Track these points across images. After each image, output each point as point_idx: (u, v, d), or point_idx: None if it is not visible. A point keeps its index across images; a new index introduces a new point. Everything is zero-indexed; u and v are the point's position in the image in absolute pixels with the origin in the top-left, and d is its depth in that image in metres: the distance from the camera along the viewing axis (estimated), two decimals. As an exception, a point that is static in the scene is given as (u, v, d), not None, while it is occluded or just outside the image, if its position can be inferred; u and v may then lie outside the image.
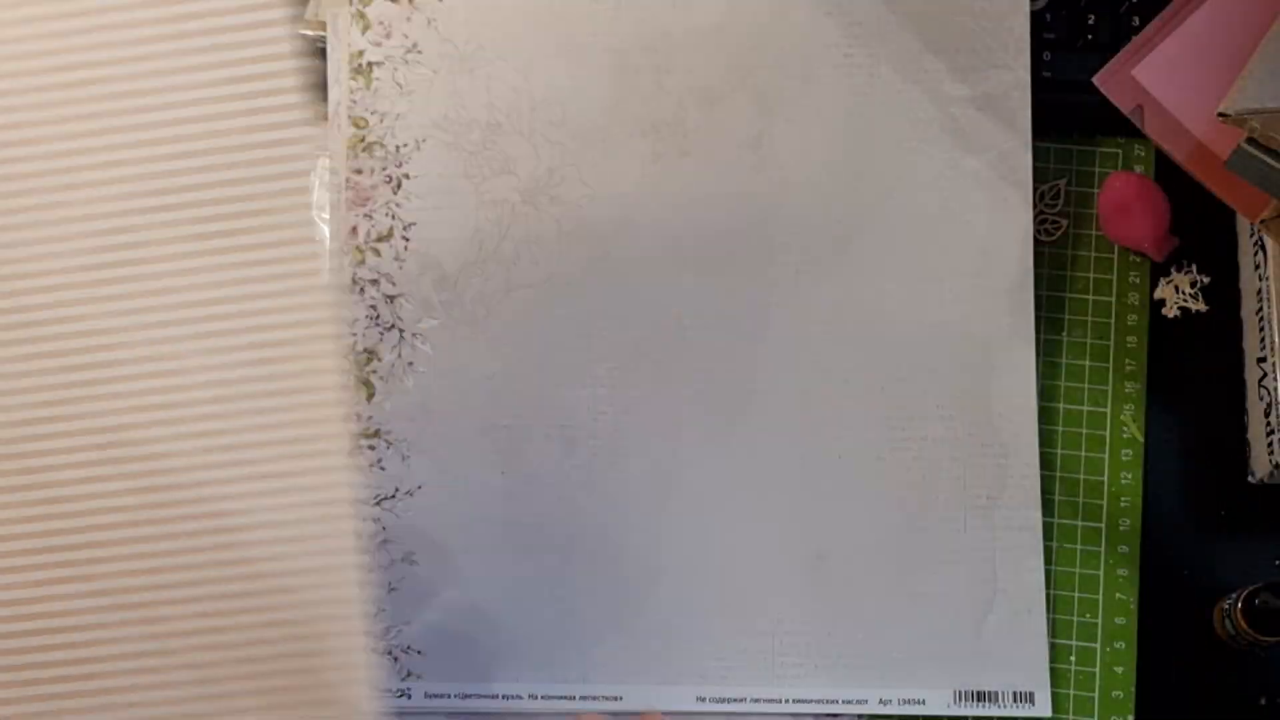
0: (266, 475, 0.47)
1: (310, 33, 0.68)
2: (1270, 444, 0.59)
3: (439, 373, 0.63)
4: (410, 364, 0.63)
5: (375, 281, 0.63)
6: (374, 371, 0.63)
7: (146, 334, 0.46)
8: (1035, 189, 0.63)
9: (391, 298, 0.63)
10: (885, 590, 0.60)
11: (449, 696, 0.60)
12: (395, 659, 0.60)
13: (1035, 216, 0.64)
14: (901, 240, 0.63)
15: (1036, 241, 0.63)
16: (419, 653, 0.60)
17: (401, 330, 0.63)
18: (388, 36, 0.65)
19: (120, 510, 0.46)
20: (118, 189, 0.45)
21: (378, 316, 0.63)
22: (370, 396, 0.62)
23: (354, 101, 0.65)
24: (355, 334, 0.63)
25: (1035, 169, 0.63)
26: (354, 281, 0.63)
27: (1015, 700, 0.59)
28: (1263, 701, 0.60)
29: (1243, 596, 0.57)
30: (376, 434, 0.62)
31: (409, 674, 0.60)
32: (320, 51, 0.67)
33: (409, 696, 0.60)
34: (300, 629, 0.47)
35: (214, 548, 0.47)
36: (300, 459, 0.47)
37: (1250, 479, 0.62)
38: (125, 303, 0.46)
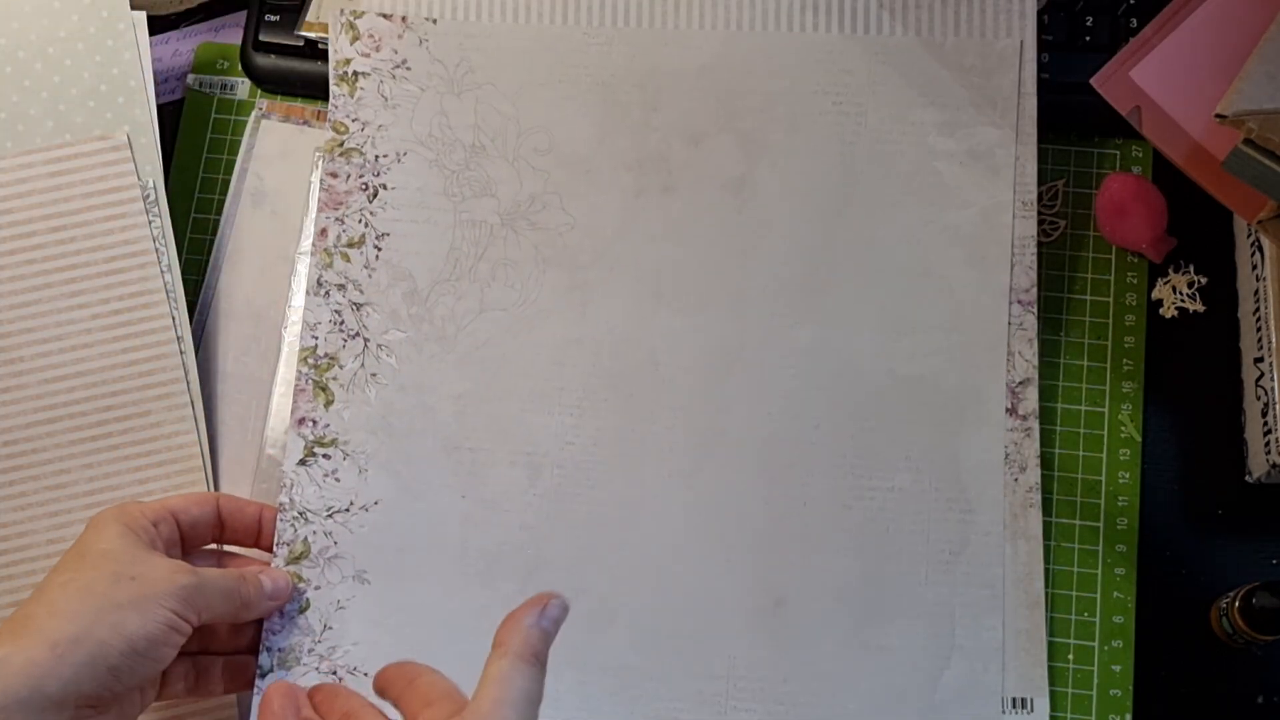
0: None
1: (312, 35, 0.68)
2: (1267, 443, 0.59)
3: (403, 387, 0.61)
4: (373, 375, 0.61)
5: (342, 287, 0.62)
6: (334, 378, 0.61)
7: (53, 520, 0.61)
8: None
9: (358, 305, 0.62)
10: (842, 640, 0.59)
11: None
12: (340, 679, 0.58)
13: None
14: (878, 290, 0.62)
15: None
16: (365, 674, 0.57)
17: (366, 339, 0.61)
18: (376, 49, 0.65)
19: None
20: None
21: (342, 322, 0.61)
22: (329, 404, 0.61)
23: (335, 106, 0.64)
24: (317, 337, 0.61)
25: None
26: (319, 284, 0.62)
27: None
28: (1260, 700, 0.60)
29: (1240, 595, 0.57)
30: (333, 443, 0.60)
31: None
32: (321, 54, 0.67)
33: None
34: None
35: None
36: None
37: (1247, 478, 0.62)
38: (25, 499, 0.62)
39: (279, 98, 0.70)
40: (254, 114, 0.69)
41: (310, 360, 0.61)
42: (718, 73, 0.65)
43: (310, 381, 0.61)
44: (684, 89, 0.64)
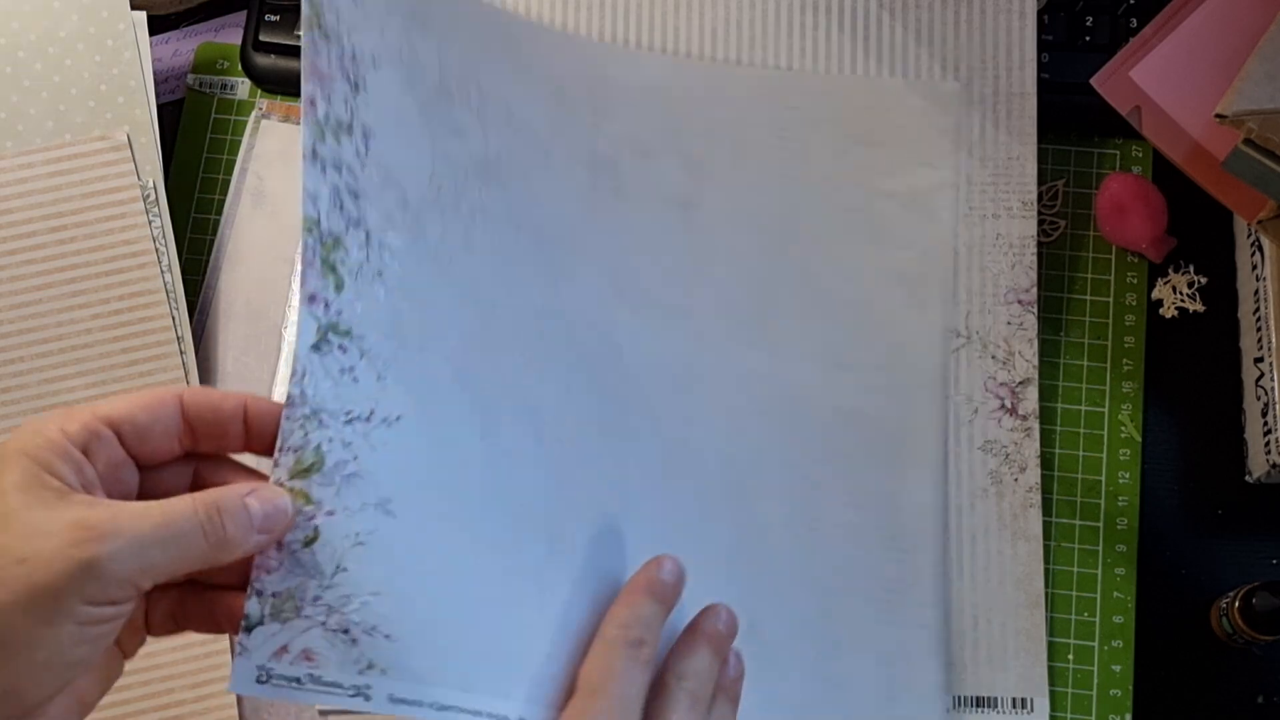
0: None
1: (312, 34, 0.68)
2: (1267, 443, 0.59)
3: (409, 295, 0.49)
4: (380, 273, 0.49)
5: (338, 168, 0.49)
6: (341, 262, 0.48)
7: None
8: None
9: (355, 194, 0.49)
10: (809, 671, 0.58)
11: (421, 704, 0.43)
12: (354, 640, 0.42)
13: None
14: (820, 323, 0.61)
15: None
16: (386, 636, 0.43)
17: (368, 232, 0.49)
18: None
19: None
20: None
21: (341, 205, 0.48)
22: (339, 287, 0.47)
23: None
24: (319, 209, 0.47)
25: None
26: (314, 153, 0.47)
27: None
28: (1259, 700, 0.60)
29: (1240, 595, 0.57)
30: (348, 334, 0.46)
31: (370, 665, 0.42)
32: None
33: (367, 697, 0.42)
34: None
35: None
36: None
37: (1247, 478, 0.62)
38: None
39: (279, 98, 0.70)
40: (254, 114, 0.69)
41: (314, 232, 0.46)
42: (663, 94, 0.63)
43: (317, 256, 0.46)
44: (631, 103, 0.63)
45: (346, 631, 0.43)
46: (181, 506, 0.39)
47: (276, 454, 0.42)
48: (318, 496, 0.43)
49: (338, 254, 0.47)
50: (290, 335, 0.65)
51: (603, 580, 0.51)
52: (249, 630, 0.41)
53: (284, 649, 0.42)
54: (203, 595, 0.43)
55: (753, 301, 0.61)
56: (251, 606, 0.41)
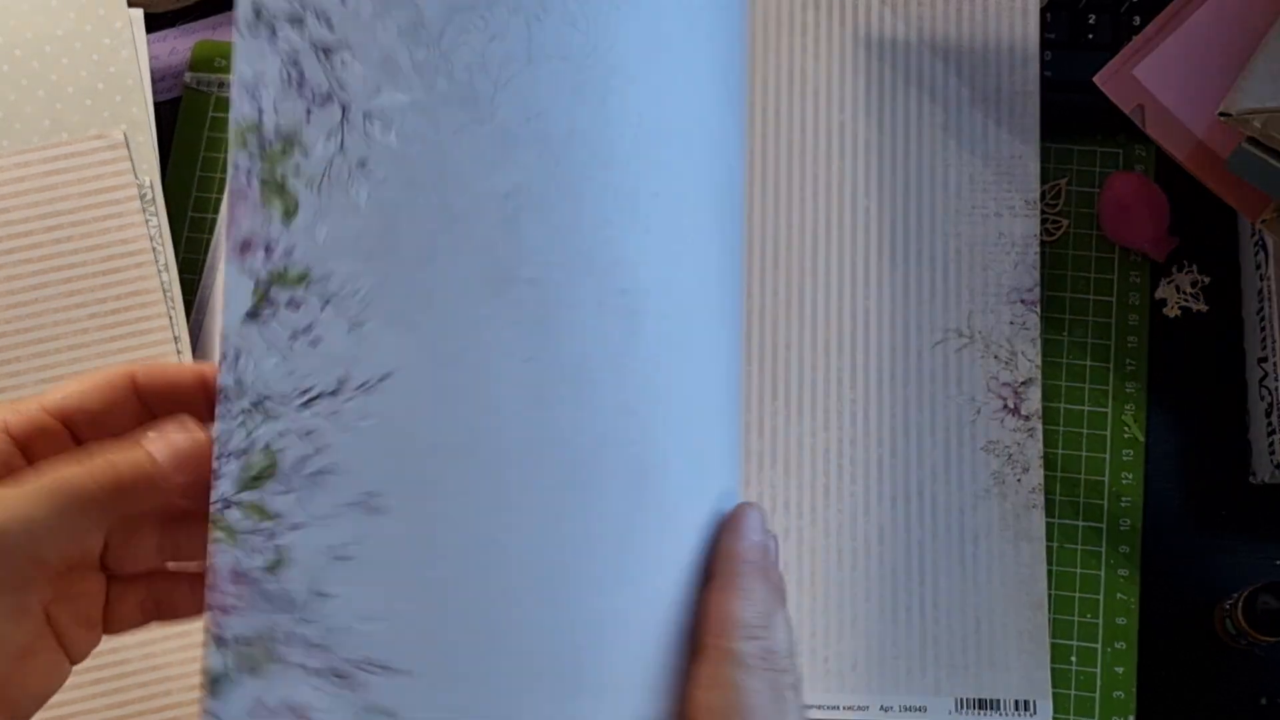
0: None
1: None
2: (1271, 444, 0.59)
3: (412, 182, 0.35)
4: (363, 164, 0.35)
5: (298, 20, 0.34)
6: (296, 171, 0.34)
7: None
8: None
9: (327, 50, 0.35)
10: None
11: None
12: (350, 684, 0.33)
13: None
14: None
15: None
16: (391, 671, 0.34)
17: (345, 106, 0.35)
18: None
19: None
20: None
21: (302, 78, 0.34)
22: (289, 214, 0.34)
23: None
24: (262, 104, 0.34)
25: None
26: (258, 15, 0.34)
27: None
28: (1263, 701, 0.60)
29: (1243, 597, 0.57)
30: (303, 279, 0.34)
31: (376, 710, 0.33)
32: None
33: None
34: None
35: None
36: None
37: (1251, 479, 0.62)
38: None
39: (277, 96, 0.69)
40: (252, 112, 0.69)
41: (253, 142, 0.34)
42: None
43: (255, 179, 0.34)
44: None
45: (339, 675, 0.34)
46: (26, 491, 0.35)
47: (217, 461, 0.33)
48: (276, 509, 0.33)
49: (289, 162, 0.35)
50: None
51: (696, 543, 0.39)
52: (215, 693, 0.32)
53: (262, 706, 0.33)
54: (179, 579, 0.38)
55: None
56: (213, 660, 0.32)
